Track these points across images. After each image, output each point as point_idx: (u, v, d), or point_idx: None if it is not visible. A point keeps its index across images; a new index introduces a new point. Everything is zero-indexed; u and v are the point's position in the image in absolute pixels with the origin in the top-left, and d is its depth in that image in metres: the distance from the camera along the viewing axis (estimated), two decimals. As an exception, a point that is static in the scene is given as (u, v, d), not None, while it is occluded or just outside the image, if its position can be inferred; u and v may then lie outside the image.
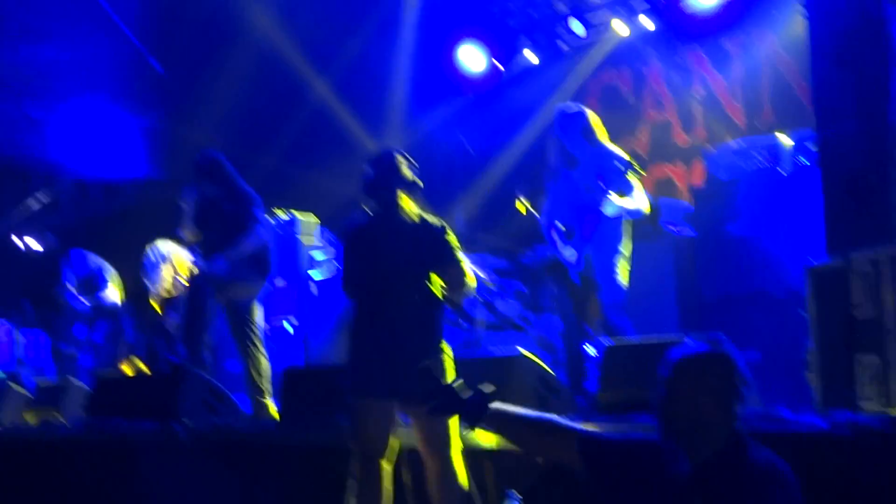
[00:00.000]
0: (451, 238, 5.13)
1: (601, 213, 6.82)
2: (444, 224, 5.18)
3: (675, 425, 3.24)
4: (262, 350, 7.73)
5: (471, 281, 5.18)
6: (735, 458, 3.18)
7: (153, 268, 9.15)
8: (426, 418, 4.89)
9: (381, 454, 5.00)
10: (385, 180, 5.20)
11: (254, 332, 7.72)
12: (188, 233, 7.91)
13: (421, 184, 5.25)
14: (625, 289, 6.97)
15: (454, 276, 5.10)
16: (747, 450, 3.20)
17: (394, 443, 5.07)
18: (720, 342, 3.33)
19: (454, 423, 4.93)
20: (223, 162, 7.84)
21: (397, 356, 4.92)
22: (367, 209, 5.29)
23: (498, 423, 3.52)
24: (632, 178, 6.88)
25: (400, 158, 5.26)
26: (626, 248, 7.04)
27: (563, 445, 3.47)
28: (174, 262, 9.02)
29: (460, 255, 5.13)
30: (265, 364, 7.66)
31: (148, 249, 9.30)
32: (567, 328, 7.26)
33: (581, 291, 7.07)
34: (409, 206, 5.17)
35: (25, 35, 12.82)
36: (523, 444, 3.62)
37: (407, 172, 5.23)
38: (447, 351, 5.05)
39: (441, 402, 3.53)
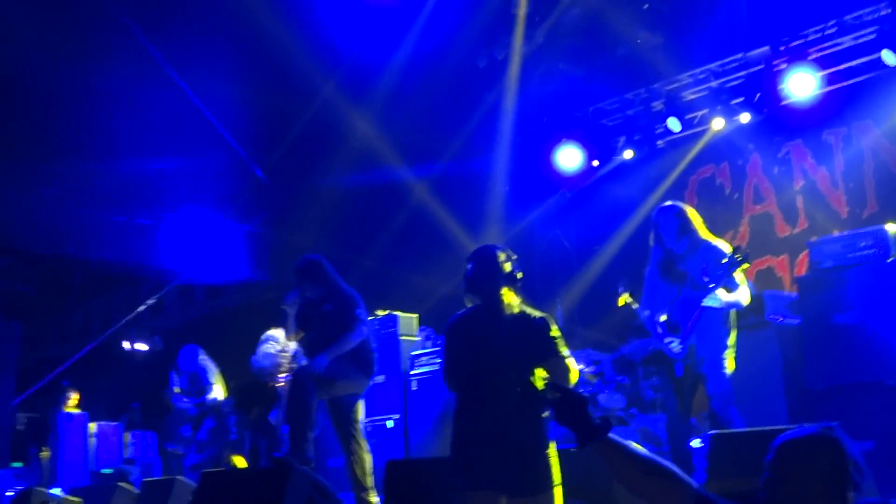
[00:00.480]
0: (554, 331, 5.11)
1: (702, 307, 6.76)
2: (547, 317, 5.17)
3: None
4: (365, 446, 7.75)
5: (574, 375, 5.14)
6: None
7: (269, 355, 9.27)
8: None
9: None
10: (486, 275, 5.22)
11: (356, 429, 7.74)
12: (291, 335, 8.03)
13: (520, 276, 5.26)
14: (731, 380, 6.84)
15: (558, 368, 5.04)
16: None
17: None
18: (829, 427, 3.20)
19: None
20: (323, 264, 7.96)
21: (501, 448, 4.88)
22: (468, 304, 5.31)
23: (612, 451, 3.36)
24: (737, 273, 6.83)
25: (500, 253, 5.29)
26: (731, 339, 6.94)
27: (674, 494, 3.33)
28: (283, 354, 9.15)
29: (564, 347, 5.11)
30: (368, 460, 7.67)
31: (265, 337, 9.43)
32: (671, 421, 7.13)
33: (685, 383, 6.96)
34: (511, 299, 5.17)
35: (135, 148, 13.29)
36: (630, 480, 3.42)
37: (507, 266, 5.25)
38: (551, 444, 5.00)
39: (569, 409, 3.38)
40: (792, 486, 3.09)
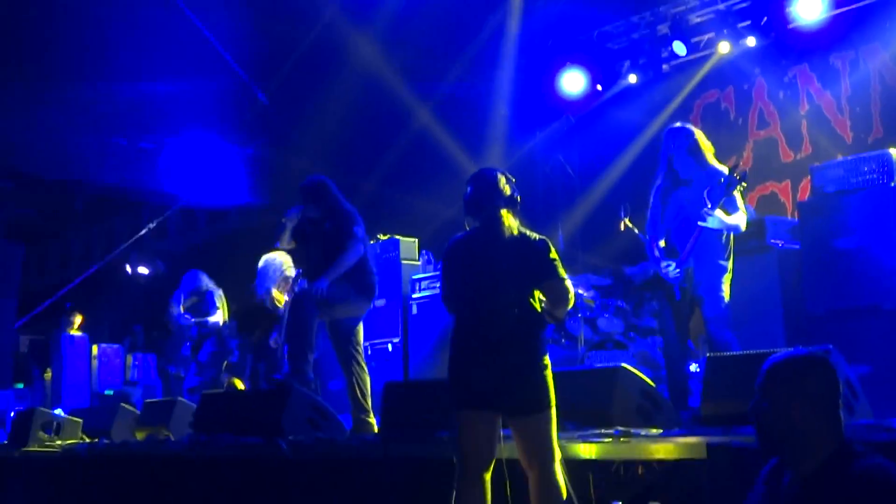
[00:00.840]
0: (553, 253, 5.10)
1: (703, 228, 6.73)
2: (546, 239, 5.15)
3: (773, 434, 3.12)
4: (365, 369, 7.77)
5: (571, 297, 5.13)
6: (841, 467, 3.00)
7: (267, 278, 9.28)
8: (527, 430, 4.86)
9: (485, 466, 4.96)
10: (485, 197, 5.18)
11: (357, 352, 7.76)
12: (283, 243, 8.01)
13: (519, 199, 5.23)
14: (728, 303, 6.84)
15: (556, 290, 5.02)
16: (856, 459, 3.01)
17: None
18: (818, 349, 3.18)
19: (555, 434, 4.88)
20: (328, 184, 7.92)
21: (499, 368, 4.88)
22: (467, 226, 5.28)
23: None
24: (736, 194, 6.80)
25: (500, 176, 5.25)
26: (729, 263, 6.92)
27: None
28: (286, 276, 9.16)
29: (562, 270, 5.09)
30: (367, 382, 7.70)
31: (264, 260, 9.43)
32: (669, 344, 7.14)
33: (683, 306, 6.95)
34: (510, 221, 5.14)
35: (136, 72, 13.20)
36: None
37: (507, 189, 5.21)
38: (548, 365, 5.01)
39: None
40: (783, 407, 3.09)
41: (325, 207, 7.82)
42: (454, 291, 5.18)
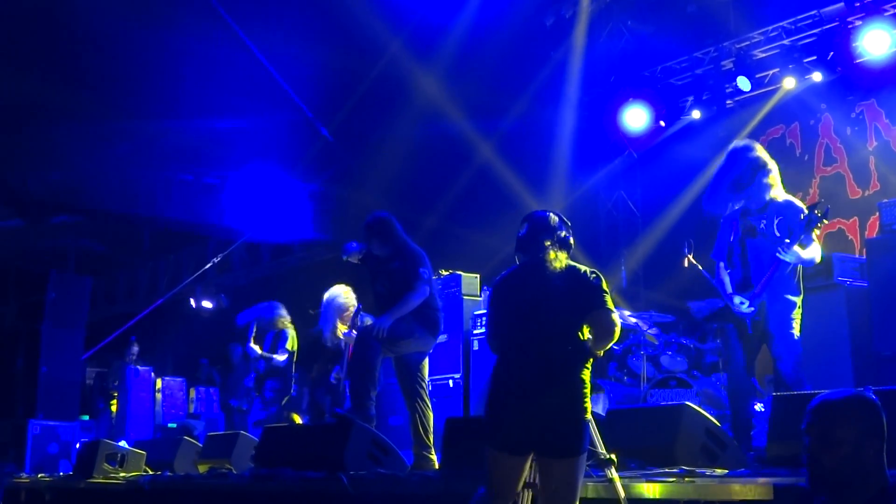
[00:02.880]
0: (604, 285, 5.03)
1: (779, 261, 6.63)
2: (598, 272, 5.09)
3: (819, 472, 3.13)
4: (429, 405, 7.76)
5: (618, 329, 5.03)
6: None
7: (331, 314, 9.31)
8: (552, 473, 4.79)
9: (512, 494, 4.95)
10: (536, 236, 5.17)
11: (422, 388, 7.76)
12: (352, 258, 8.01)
13: (572, 242, 5.20)
14: (798, 341, 6.71)
15: (602, 321, 4.88)
16: None
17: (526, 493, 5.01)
18: (865, 390, 3.20)
19: (579, 483, 4.80)
20: (392, 221, 7.94)
21: (535, 411, 4.83)
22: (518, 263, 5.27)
23: None
24: (814, 230, 6.69)
25: (552, 216, 5.24)
26: (799, 299, 6.80)
27: None
28: (348, 312, 9.18)
29: (610, 302, 5.01)
30: (431, 418, 7.69)
31: (327, 296, 9.45)
32: (734, 381, 7.01)
33: (754, 341, 6.83)
34: (558, 256, 5.11)
35: (202, 108, 13.40)
36: None
37: (559, 230, 5.19)
38: (588, 408, 4.89)
39: None
40: (826, 448, 3.11)
41: (393, 246, 7.83)
42: (499, 328, 5.14)
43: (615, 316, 4.94)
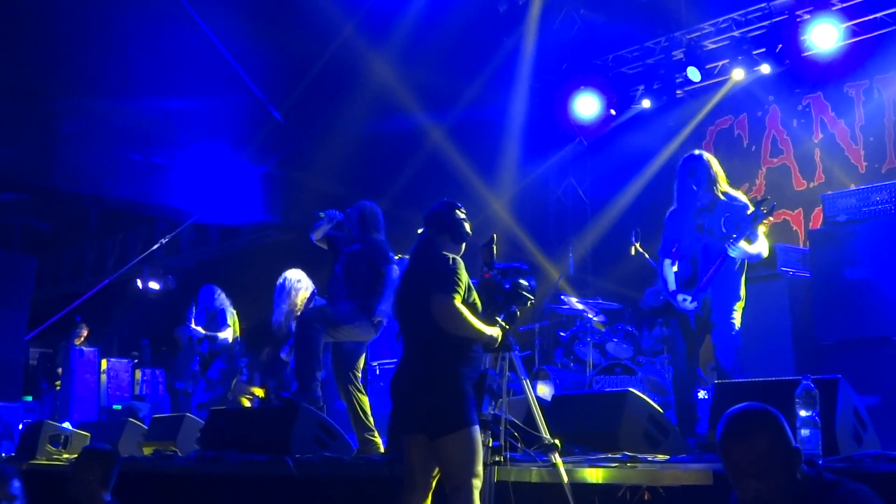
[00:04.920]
0: (446, 269, 4.97)
1: (726, 257, 6.71)
2: (448, 256, 5.06)
3: (743, 488, 3.16)
4: (363, 391, 7.73)
5: (450, 316, 4.89)
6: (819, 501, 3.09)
7: (284, 295, 9.27)
8: (441, 456, 4.88)
9: (415, 488, 5.01)
10: (425, 225, 5.24)
11: (355, 376, 7.73)
12: (318, 235, 7.93)
13: (464, 235, 5.22)
14: (739, 331, 6.81)
15: (435, 307, 4.86)
16: (830, 490, 3.11)
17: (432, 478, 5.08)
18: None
19: (473, 458, 4.84)
20: (378, 214, 7.85)
21: (414, 390, 4.94)
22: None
23: None
24: (760, 225, 6.78)
25: (449, 207, 5.28)
26: (742, 291, 6.90)
27: None
28: (301, 295, 9.13)
29: (451, 287, 4.93)
30: (366, 402, 7.67)
31: (281, 279, 9.40)
32: (678, 370, 7.11)
33: (697, 334, 6.93)
34: (438, 247, 5.13)
35: (152, 87, 13.25)
36: None
37: (448, 220, 5.22)
38: (459, 389, 4.88)
39: None
40: (740, 461, 3.17)
41: (364, 232, 7.77)
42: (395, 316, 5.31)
43: (449, 302, 4.87)
